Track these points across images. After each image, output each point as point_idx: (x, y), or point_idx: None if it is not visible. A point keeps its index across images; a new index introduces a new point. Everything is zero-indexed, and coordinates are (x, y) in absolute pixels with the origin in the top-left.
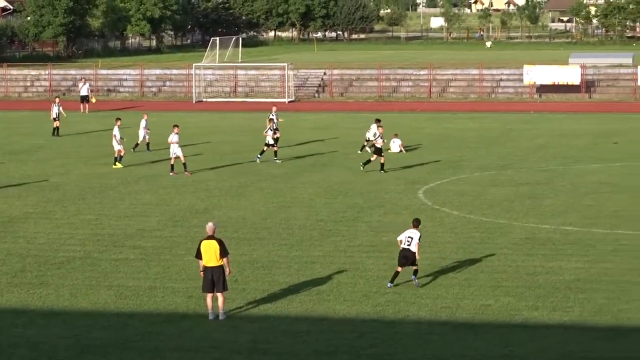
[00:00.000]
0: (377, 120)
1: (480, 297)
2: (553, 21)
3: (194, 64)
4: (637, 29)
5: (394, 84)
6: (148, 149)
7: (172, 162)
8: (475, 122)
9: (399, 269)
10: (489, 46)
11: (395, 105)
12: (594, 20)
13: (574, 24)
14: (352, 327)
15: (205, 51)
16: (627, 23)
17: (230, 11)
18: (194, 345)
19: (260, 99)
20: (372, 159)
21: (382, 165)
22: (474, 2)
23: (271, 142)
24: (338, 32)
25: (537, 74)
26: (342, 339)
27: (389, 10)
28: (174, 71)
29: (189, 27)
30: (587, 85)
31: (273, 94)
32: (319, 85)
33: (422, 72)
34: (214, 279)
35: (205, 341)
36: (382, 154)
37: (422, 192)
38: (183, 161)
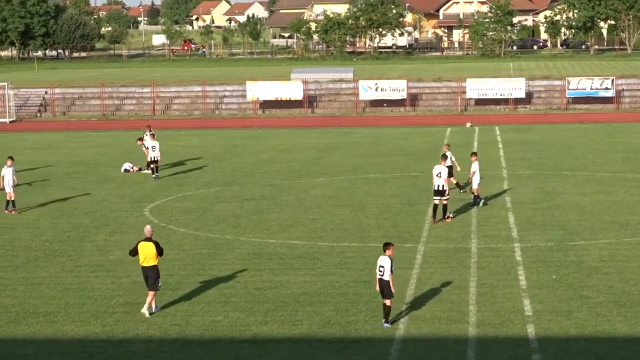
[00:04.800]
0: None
1: (209, 314)
2: (274, 37)
3: None
4: (357, 44)
5: (117, 102)
6: None
7: None
8: (200, 138)
9: (385, 301)
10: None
11: (118, 123)
12: (315, 36)
13: (295, 40)
14: (81, 348)
15: None
16: (347, 38)
17: None
18: None
19: None
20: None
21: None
22: (195, 19)
23: None
24: (59, 51)
25: (260, 90)
26: None
27: (110, 28)
28: None
29: None
30: (310, 100)
31: None
32: (41, 105)
33: (145, 90)
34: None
35: None
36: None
37: (148, 210)
38: None
